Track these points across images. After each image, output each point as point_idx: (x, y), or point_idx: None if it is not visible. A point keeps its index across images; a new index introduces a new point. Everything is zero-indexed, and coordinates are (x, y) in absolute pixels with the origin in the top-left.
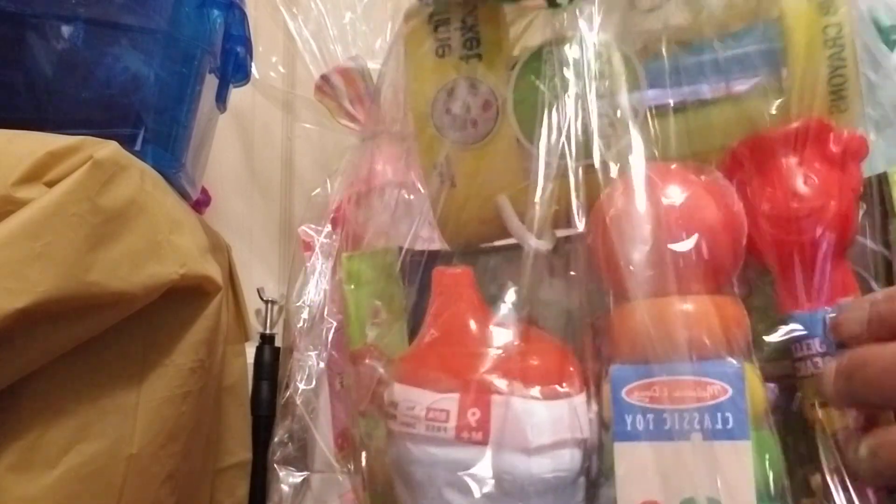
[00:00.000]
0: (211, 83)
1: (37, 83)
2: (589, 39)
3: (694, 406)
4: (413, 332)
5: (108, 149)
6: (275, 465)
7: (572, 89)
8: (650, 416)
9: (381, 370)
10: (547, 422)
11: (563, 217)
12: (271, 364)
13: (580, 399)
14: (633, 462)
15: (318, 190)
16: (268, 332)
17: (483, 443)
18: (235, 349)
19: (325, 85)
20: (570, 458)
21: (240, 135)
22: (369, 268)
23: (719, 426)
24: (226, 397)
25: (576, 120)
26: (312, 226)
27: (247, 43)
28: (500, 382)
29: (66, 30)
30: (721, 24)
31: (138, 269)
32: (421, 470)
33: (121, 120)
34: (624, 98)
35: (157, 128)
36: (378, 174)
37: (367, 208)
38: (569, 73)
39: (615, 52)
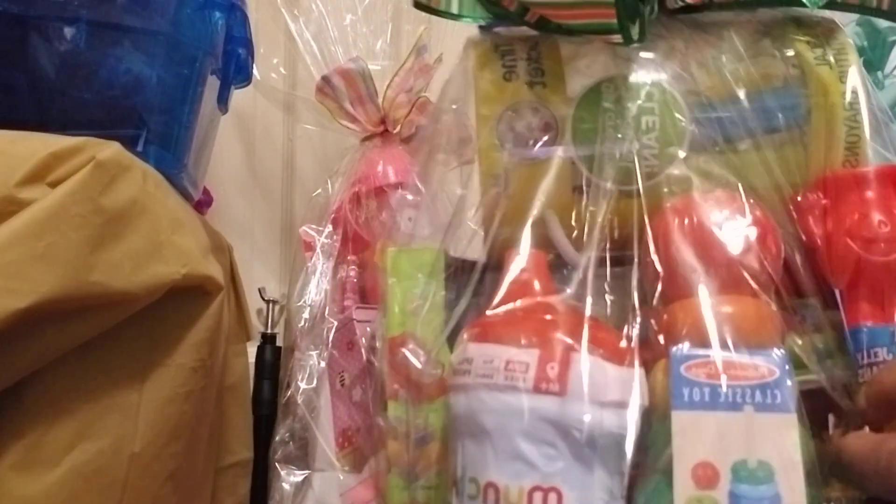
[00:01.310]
0: (212, 84)
1: (39, 84)
2: (645, 79)
3: (746, 383)
4: (452, 329)
5: (111, 149)
6: (276, 464)
7: (627, 121)
8: (707, 390)
9: (420, 359)
10: (617, 381)
11: (603, 235)
12: (272, 363)
13: (641, 372)
14: (689, 429)
15: (318, 190)
16: (269, 331)
17: (560, 394)
18: (237, 349)
19: (325, 86)
20: (623, 420)
21: (241, 136)
22: (412, 264)
23: (769, 401)
24: (227, 396)
25: (627, 148)
26: (313, 226)
27: (248, 44)
28: (576, 342)
29: (68, 31)
30: (755, 84)
31: (140, 269)
32: (495, 419)
33: (123, 121)
34: (676, 134)
35: (160, 129)
36: (379, 175)
37: (370, 208)
38: (624, 107)
39: (668, 92)
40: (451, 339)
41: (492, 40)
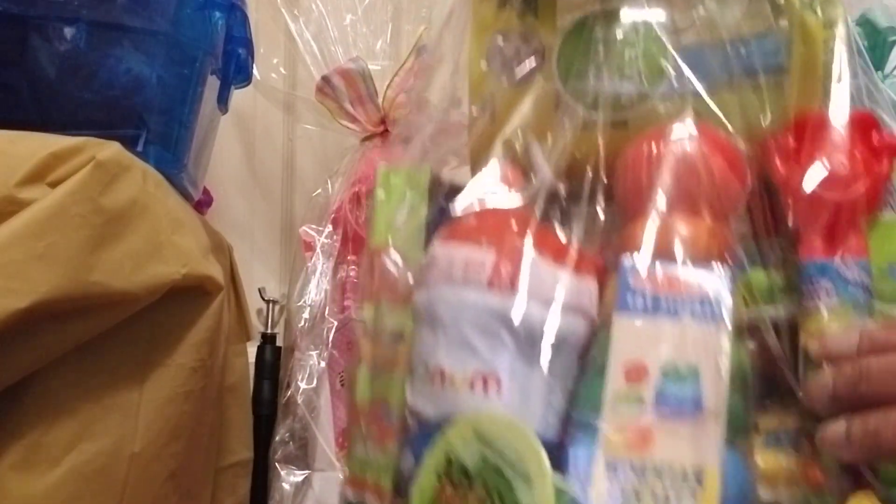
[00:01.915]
0: (212, 84)
1: (40, 85)
2: (632, 16)
3: (687, 294)
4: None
5: (111, 150)
6: (276, 464)
7: (611, 54)
8: (649, 298)
9: (397, 267)
10: (568, 286)
11: (580, 162)
12: (272, 363)
13: (594, 284)
14: (628, 332)
15: (318, 190)
16: (269, 331)
17: (510, 292)
18: (237, 349)
19: (325, 86)
20: (578, 327)
21: (241, 136)
22: (401, 181)
23: (706, 312)
24: (227, 396)
25: (609, 80)
26: (313, 226)
27: (248, 44)
28: (531, 247)
29: (68, 31)
30: (738, 26)
31: (140, 269)
32: (451, 311)
33: (123, 121)
34: (654, 70)
35: (160, 129)
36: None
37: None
38: (609, 40)
39: (652, 30)
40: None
41: None
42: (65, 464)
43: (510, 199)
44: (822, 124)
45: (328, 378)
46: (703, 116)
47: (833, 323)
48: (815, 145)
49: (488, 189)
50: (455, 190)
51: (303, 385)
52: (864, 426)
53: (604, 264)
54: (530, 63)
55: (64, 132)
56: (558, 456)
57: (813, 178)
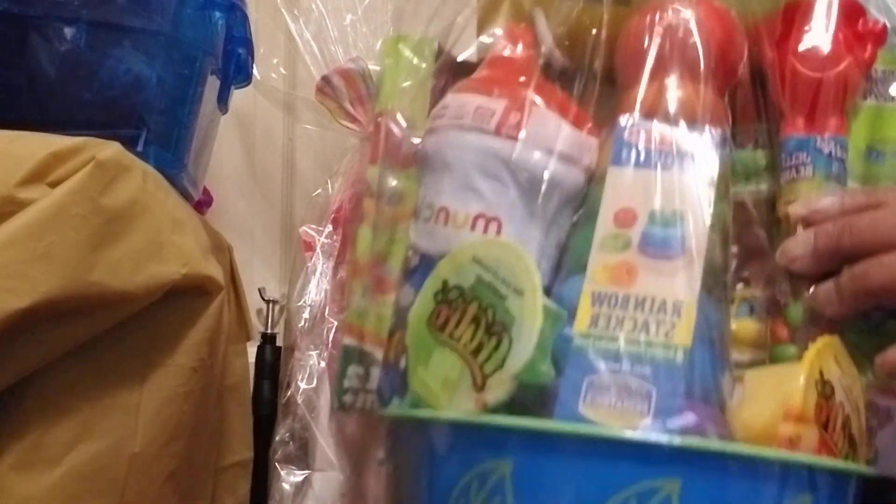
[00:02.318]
0: (212, 84)
1: (39, 84)
2: None
3: (677, 149)
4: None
5: (111, 150)
6: (276, 464)
7: None
8: (642, 152)
9: (402, 130)
10: (570, 138)
11: (582, 34)
12: (273, 363)
13: (594, 140)
14: (620, 182)
15: (319, 190)
16: (269, 331)
17: (517, 138)
18: (237, 349)
19: (325, 86)
20: (577, 177)
21: (241, 136)
22: (407, 48)
23: (694, 166)
24: (227, 396)
25: None
26: (313, 226)
27: (248, 44)
28: (540, 100)
29: (68, 31)
30: None
31: (140, 269)
32: (457, 153)
33: (123, 121)
34: None
35: (159, 129)
36: None
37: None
38: None
39: None
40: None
41: None
42: (64, 464)
43: (515, 52)
44: (810, 9)
45: (328, 378)
46: None
47: (810, 193)
48: (803, 28)
49: (497, 43)
50: (462, 64)
51: (303, 385)
52: (850, 273)
53: (600, 128)
54: None
55: (64, 132)
56: (546, 297)
57: (798, 57)
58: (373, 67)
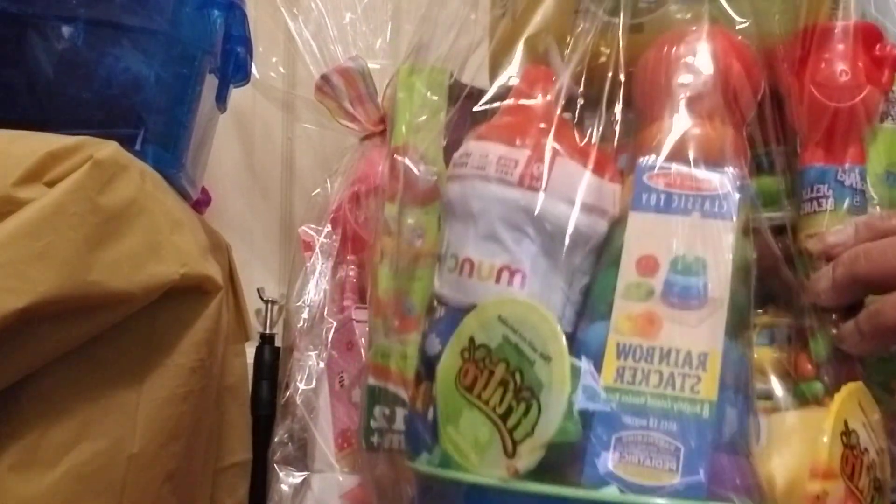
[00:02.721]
0: (211, 83)
1: (37, 83)
2: None
3: (698, 193)
4: (448, 145)
5: (109, 149)
6: (275, 465)
7: None
8: (662, 196)
9: (419, 167)
10: (593, 187)
11: (598, 65)
12: (271, 364)
13: (616, 187)
14: (641, 228)
15: (318, 190)
16: (268, 331)
17: (540, 189)
18: (236, 349)
19: (325, 85)
20: (601, 225)
21: (240, 135)
22: (421, 82)
23: (715, 209)
24: (226, 397)
25: None
26: (312, 226)
27: (247, 43)
28: (562, 149)
29: (66, 30)
30: None
31: (139, 269)
32: (481, 204)
33: (121, 120)
34: None
35: (158, 128)
36: (378, 174)
37: (370, 208)
38: None
39: None
40: (448, 153)
41: None
42: (63, 465)
43: (535, 98)
44: (828, 34)
45: (327, 379)
46: (718, 21)
47: (831, 225)
48: (820, 54)
49: (514, 89)
50: (475, 92)
51: (302, 386)
52: (867, 312)
53: (620, 167)
54: None
55: (62, 131)
56: (571, 344)
57: (816, 85)
58: (372, 66)
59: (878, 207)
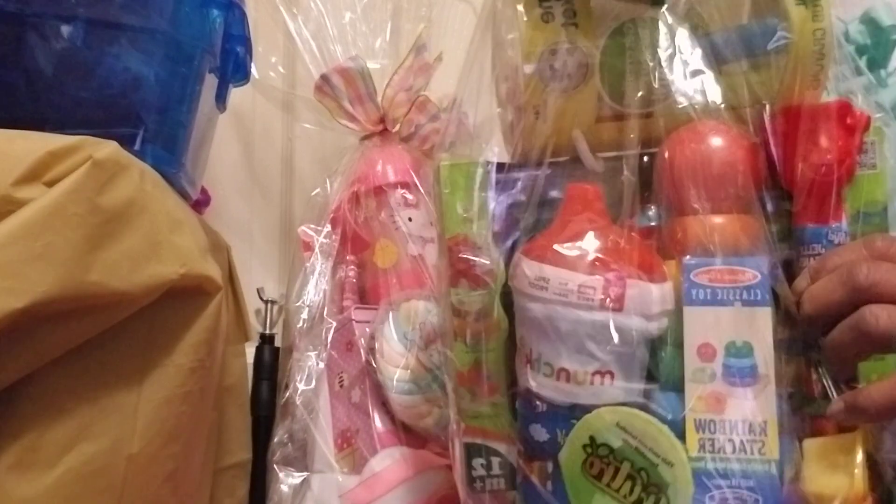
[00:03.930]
0: (211, 83)
1: (37, 83)
2: (656, 19)
3: (736, 285)
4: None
5: (108, 149)
6: (274, 466)
7: (644, 57)
8: (708, 290)
9: (471, 252)
10: (658, 298)
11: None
12: (271, 364)
13: (668, 285)
14: (696, 320)
15: (317, 190)
16: (268, 332)
17: (619, 310)
18: (235, 349)
19: (324, 85)
20: (662, 322)
21: (240, 135)
22: (462, 175)
23: (752, 298)
24: (226, 397)
25: (644, 80)
26: (312, 226)
27: (247, 43)
28: (632, 271)
29: (66, 30)
30: (744, 16)
31: (138, 269)
32: (569, 326)
33: (121, 120)
34: (680, 64)
35: (157, 128)
36: (378, 174)
37: (369, 208)
38: (642, 43)
39: (679, 29)
40: (496, 240)
41: None
42: (62, 465)
43: (584, 215)
44: (811, 113)
45: (327, 379)
46: (724, 106)
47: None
48: (806, 134)
49: (564, 207)
50: (501, 166)
51: (301, 386)
52: (852, 393)
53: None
54: (575, 71)
55: (61, 131)
56: (647, 410)
57: (805, 162)
58: (372, 66)
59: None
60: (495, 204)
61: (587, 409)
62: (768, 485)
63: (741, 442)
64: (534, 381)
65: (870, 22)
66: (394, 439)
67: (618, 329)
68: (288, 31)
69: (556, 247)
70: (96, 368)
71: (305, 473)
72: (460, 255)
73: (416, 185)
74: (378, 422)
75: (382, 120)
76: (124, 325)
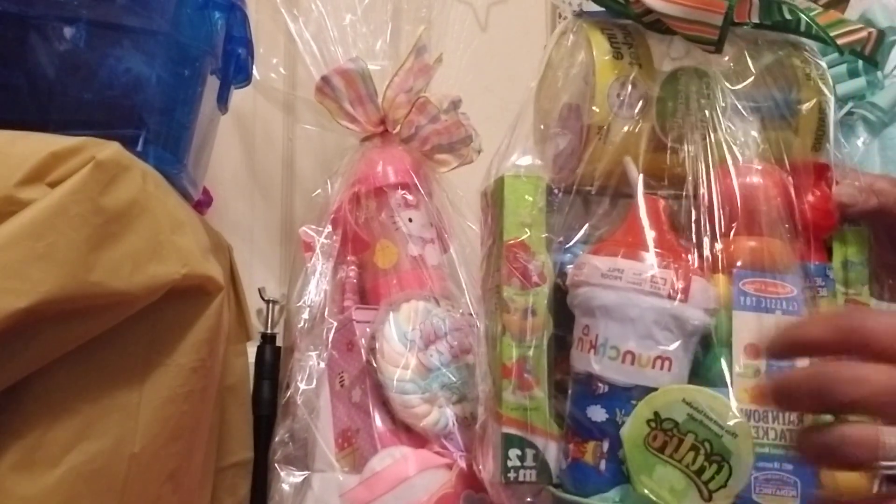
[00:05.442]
0: (212, 84)
1: (39, 84)
2: (705, 69)
3: (776, 296)
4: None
5: (110, 149)
6: (276, 465)
7: (691, 100)
8: (754, 298)
9: (526, 255)
10: (711, 295)
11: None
12: (272, 364)
13: (713, 288)
14: (743, 323)
15: (318, 191)
16: (269, 331)
17: (684, 301)
18: (237, 349)
19: (325, 86)
20: (712, 319)
21: (241, 136)
22: (523, 188)
23: (790, 308)
24: (227, 397)
25: (692, 119)
26: (313, 226)
27: (248, 44)
28: (694, 269)
29: (68, 31)
30: (769, 83)
31: (140, 269)
32: (638, 311)
33: (123, 121)
34: (719, 110)
35: (159, 129)
36: (378, 175)
37: (370, 208)
38: (691, 89)
39: (720, 81)
40: (549, 246)
41: (598, 23)
42: (64, 464)
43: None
44: (817, 170)
45: (328, 379)
46: (760, 150)
47: (828, 306)
48: (814, 186)
49: (631, 213)
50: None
51: (302, 386)
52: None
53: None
54: (638, 103)
55: (63, 132)
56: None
57: (814, 210)
58: (372, 67)
59: (837, 286)
60: (549, 215)
61: (648, 390)
62: (805, 470)
63: (782, 430)
64: (598, 365)
65: (867, 24)
66: (394, 439)
67: (682, 318)
68: (289, 32)
69: (631, 243)
70: (98, 368)
71: (306, 472)
72: (516, 257)
73: (416, 186)
74: (378, 421)
75: (383, 121)
76: (126, 325)
